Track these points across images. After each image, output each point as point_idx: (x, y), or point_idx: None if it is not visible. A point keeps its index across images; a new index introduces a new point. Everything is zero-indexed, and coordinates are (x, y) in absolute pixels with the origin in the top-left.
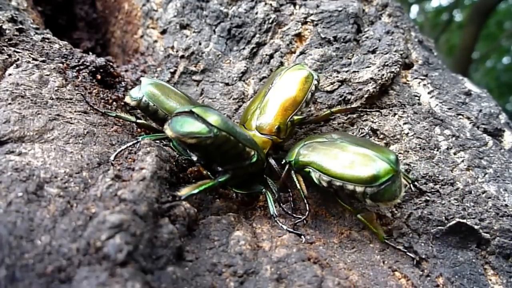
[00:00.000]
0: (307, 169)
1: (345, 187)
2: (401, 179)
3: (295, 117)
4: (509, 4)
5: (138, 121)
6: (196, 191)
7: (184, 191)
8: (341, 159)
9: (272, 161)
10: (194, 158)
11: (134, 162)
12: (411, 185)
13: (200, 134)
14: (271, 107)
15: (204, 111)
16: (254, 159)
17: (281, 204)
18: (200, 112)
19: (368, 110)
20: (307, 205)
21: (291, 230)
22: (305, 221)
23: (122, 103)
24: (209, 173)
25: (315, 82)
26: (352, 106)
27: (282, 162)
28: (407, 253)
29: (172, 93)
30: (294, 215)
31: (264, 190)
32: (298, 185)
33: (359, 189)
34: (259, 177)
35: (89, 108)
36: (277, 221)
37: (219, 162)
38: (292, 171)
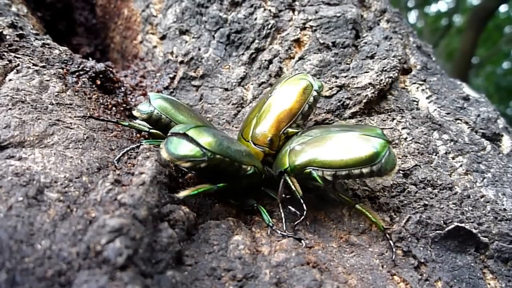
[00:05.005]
0: (307, 170)
1: (351, 173)
2: (392, 148)
3: (289, 130)
4: (509, 9)
5: (152, 130)
6: (194, 193)
7: (182, 193)
8: (338, 149)
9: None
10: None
11: (133, 166)
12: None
13: (194, 158)
14: (266, 118)
15: (198, 133)
16: (250, 173)
17: (283, 207)
18: (193, 134)
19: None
20: (303, 205)
21: (291, 235)
22: (304, 224)
23: (122, 108)
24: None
25: (314, 93)
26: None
27: (276, 173)
28: (390, 240)
29: (181, 106)
30: (297, 211)
31: (255, 204)
32: (293, 186)
33: (365, 170)
34: (257, 189)
35: (89, 113)
36: (275, 230)
37: (215, 178)
38: (287, 177)
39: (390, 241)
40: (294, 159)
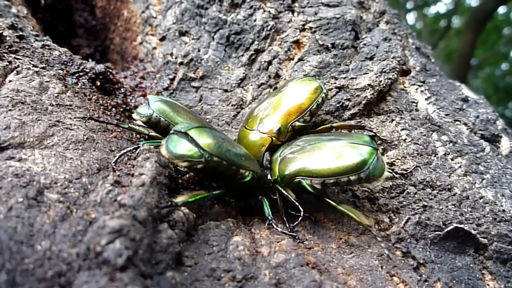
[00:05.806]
0: (296, 180)
1: (339, 181)
2: (380, 154)
3: (297, 123)
4: (507, 10)
5: (151, 133)
6: (191, 200)
7: (179, 199)
8: (326, 158)
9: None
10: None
11: (133, 167)
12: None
13: (191, 158)
14: (276, 110)
15: (199, 134)
16: (248, 179)
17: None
18: (194, 134)
19: (367, 129)
20: (299, 206)
21: (286, 232)
22: (303, 225)
23: (121, 109)
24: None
25: (323, 95)
26: (352, 123)
27: (269, 182)
28: (377, 236)
29: (180, 108)
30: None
31: (260, 197)
32: (285, 192)
33: (353, 177)
34: (257, 190)
35: (89, 114)
36: (272, 223)
37: (213, 180)
38: (278, 186)
39: (378, 238)
40: (284, 169)
